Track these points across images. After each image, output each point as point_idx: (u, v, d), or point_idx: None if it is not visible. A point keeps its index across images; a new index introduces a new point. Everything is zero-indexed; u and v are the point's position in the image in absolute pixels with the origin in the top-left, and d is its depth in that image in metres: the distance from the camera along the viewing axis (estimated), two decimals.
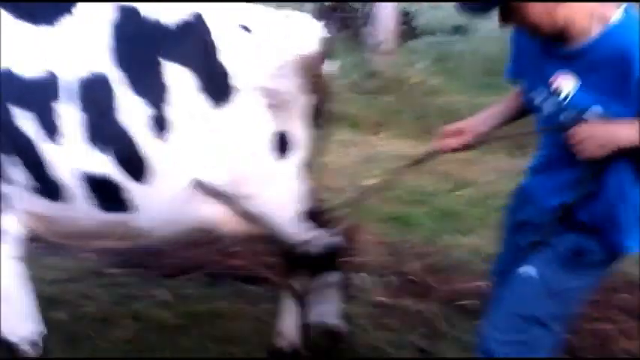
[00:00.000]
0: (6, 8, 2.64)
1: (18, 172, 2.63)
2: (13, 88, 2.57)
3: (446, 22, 18.29)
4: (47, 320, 3.02)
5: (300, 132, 3.02)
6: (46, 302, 2.95)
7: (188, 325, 3.94)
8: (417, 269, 4.50)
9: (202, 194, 2.89)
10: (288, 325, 3.59)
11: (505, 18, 2.25)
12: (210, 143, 2.79)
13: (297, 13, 3.14)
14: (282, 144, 2.96)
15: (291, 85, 2.91)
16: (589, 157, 2.22)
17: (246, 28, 2.87)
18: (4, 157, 2.60)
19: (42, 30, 2.64)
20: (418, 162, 3.00)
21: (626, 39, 2.17)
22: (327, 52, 3.04)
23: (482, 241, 4.66)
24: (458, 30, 17.51)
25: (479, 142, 2.74)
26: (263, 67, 2.82)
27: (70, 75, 2.62)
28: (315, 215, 3.22)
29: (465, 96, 10.48)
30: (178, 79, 2.71)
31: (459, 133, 2.73)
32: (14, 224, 2.74)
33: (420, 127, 9.18)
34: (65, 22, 2.67)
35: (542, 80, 2.38)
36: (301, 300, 3.56)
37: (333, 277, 3.38)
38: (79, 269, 4.50)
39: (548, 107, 2.39)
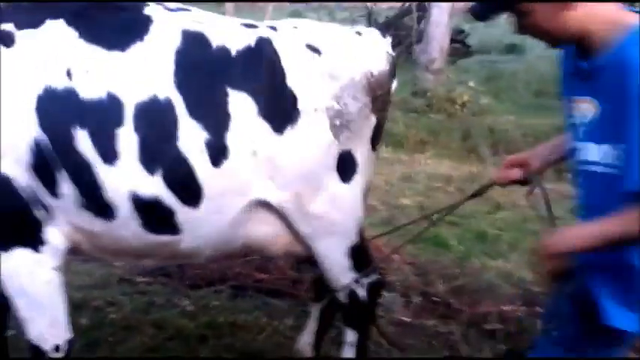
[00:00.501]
0: (80, 30, 2.68)
1: (67, 187, 2.67)
2: (74, 107, 2.61)
3: (500, 41, 18.15)
4: (70, 325, 3.06)
5: (364, 153, 3.00)
6: (71, 307, 2.99)
7: (209, 336, 3.96)
8: (442, 291, 4.44)
9: (255, 216, 2.90)
10: (305, 342, 3.59)
11: (519, 26, 2.12)
12: (273, 165, 2.79)
13: (367, 29, 3.15)
14: (347, 165, 2.95)
15: (359, 105, 2.90)
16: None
17: (315, 49, 2.88)
18: (55, 171, 2.64)
19: (113, 55, 2.68)
20: (476, 195, 2.89)
21: (627, 58, 1.94)
22: (394, 70, 3.04)
23: (512, 265, 4.57)
24: (512, 49, 17.36)
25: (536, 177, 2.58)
26: (331, 88, 2.82)
27: (129, 99, 2.65)
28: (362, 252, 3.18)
29: (514, 116, 10.35)
30: (240, 104, 2.73)
31: (521, 164, 2.58)
32: (57, 236, 2.78)
33: (467, 147, 9.12)
34: (135, 48, 2.70)
35: (571, 102, 2.18)
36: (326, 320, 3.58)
37: (353, 336, 3.30)
38: (105, 276, 4.58)
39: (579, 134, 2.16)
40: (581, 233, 2.06)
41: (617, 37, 1.98)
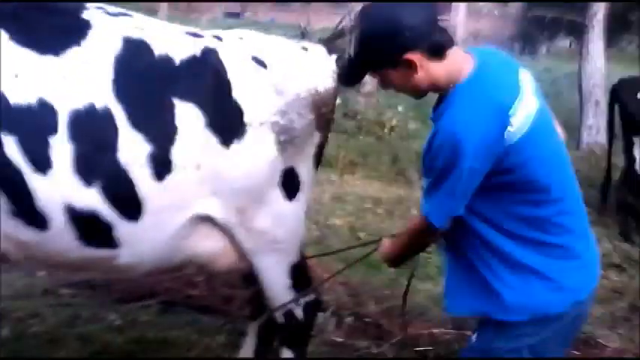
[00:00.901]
0: (11, 32, 2.55)
1: None
2: (1, 112, 2.48)
3: None
4: None
5: (307, 171, 2.99)
6: None
7: (137, 352, 3.84)
8: (374, 311, 4.45)
9: (198, 231, 2.83)
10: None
11: (382, 85, 2.39)
12: (217, 179, 2.73)
13: (313, 45, 3.11)
14: (291, 182, 2.92)
15: (304, 121, 2.87)
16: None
17: (261, 62, 2.84)
18: None
19: (46, 59, 2.55)
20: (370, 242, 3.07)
21: (444, 117, 2.20)
22: (338, 88, 3.02)
23: (440, 288, 4.62)
24: None
25: None
26: (276, 103, 2.79)
27: (63, 106, 2.53)
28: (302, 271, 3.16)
29: None
30: (185, 116, 2.65)
31: None
32: None
33: (395, 170, 9.23)
34: (71, 53, 2.59)
35: None
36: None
37: (289, 354, 3.27)
38: (27, 287, 4.39)
39: None
40: (392, 243, 2.61)
41: (449, 92, 2.24)
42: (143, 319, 4.21)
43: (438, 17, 2.27)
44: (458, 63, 2.24)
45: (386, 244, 2.64)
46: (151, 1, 16.27)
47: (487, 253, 2.33)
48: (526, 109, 2.19)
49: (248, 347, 3.55)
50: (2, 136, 2.47)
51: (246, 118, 2.74)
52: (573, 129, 11.48)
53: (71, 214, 2.58)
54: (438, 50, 2.21)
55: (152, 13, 15.48)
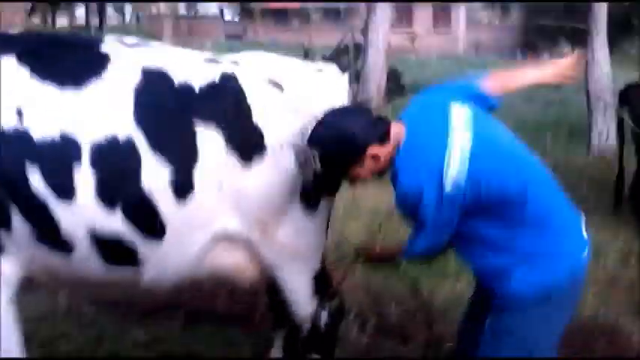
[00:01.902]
0: (32, 67, 2.65)
1: (20, 222, 2.62)
2: (25, 146, 2.58)
3: (432, 80, 18.54)
4: None
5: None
6: None
7: None
8: (396, 313, 4.45)
9: (220, 247, 2.89)
10: None
11: (349, 182, 2.73)
12: (239, 198, 2.79)
13: (326, 65, 3.18)
14: (311, 199, 2.96)
15: None
16: None
17: (278, 85, 2.90)
18: (6, 207, 2.60)
19: (67, 93, 2.65)
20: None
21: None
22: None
23: (463, 285, 4.63)
24: None
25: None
26: (295, 124, 2.81)
27: (84, 137, 2.62)
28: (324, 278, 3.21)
29: None
30: (206, 139, 2.72)
31: None
32: (11, 268, 2.72)
33: None
34: (91, 86, 2.68)
35: None
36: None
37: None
38: (51, 307, 4.42)
39: None
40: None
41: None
42: (168, 334, 4.23)
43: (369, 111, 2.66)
44: (396, 135, 2.56)
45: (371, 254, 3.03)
46: None
47: (483, 249, 2.58)
48: (458, 152, 2.44)
49: (274, 356, 3.57)
50: (27, 167, 2.56)
51: (266, 140, 2.80)
52: (582, 135, 11.51)
53: (95, 238, 2.67)
54: (385, 135, 2.54)
55: (157, 39, 15.71)
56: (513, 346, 2.57)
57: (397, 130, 2.56)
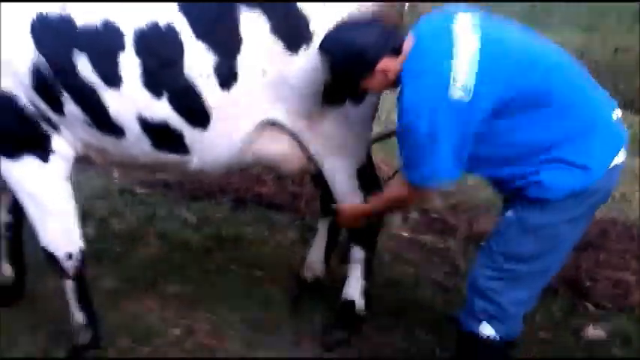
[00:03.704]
0: None
1: (72, 108, 2.67)
2: (71, 33, 2.58)
3: None
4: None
5: None
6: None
7: (213, 248, 4.02)
8: (440, 207, 4.52)
9: (266, 135, 2.90)
10: (315, 257, 3.67)
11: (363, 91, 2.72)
12: (283, 85, 2.76)
13: None
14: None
15: None
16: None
17: None
18: (58, 93, 2.64)
19: None
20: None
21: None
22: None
23: None
24: None
25: None
26: (340, 12, 2.73)
27: (128, 24, 2.60)
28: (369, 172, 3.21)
29: None
30: (251, 25, 2.67)
31: None
32: (66, 147, 2.80)
33: None
34: None
35: None
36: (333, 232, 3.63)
37: (360, 252, 3.34)
38: (105, 186, 4.58)
39: None
40: (357, 209, 3.02)
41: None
42: (216, 217, 4.37)
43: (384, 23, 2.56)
44: (406, 48, 2.48)
45: (346, 209, 3.04)
46: None
47: (510, 154, 2.49)
48: (465, 56, 2.35)
49: (320, 242, 3.67)
50: (75, 55, 2.58)
51: (311, 26, 2.73)
52: None
53: (144, 123, 2.71)
54: (397, 49, 2.48)
55: None
56: (533, 242, 2.53)
57: (407, 44, 2.49)
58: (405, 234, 4.31)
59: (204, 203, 4.51)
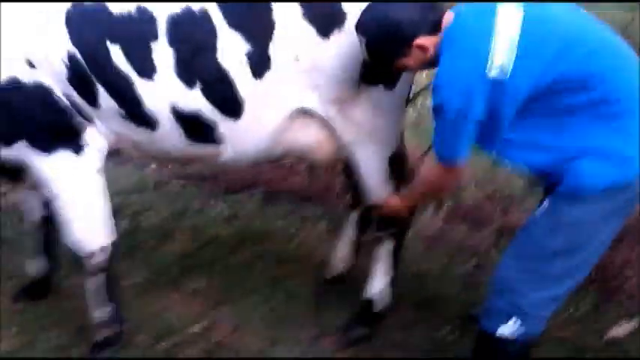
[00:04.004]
0: None
1: (106, 99, 2.70)
2: (104, 23, 2.61)
3: None
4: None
5: None
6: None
7: (242, 242, 4.06)
8: (474, 196, 4.44)
9: (297, 123, 2.89)
10: (342, 252, 3.67)
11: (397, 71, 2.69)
12: (316, 71, 2.74)
13: None
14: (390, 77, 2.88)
15: None
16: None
17: None
18: (92, 84, 2.66)
19: None
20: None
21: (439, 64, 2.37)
22: None
23: None
24: None
25: None
26: None
27: (161, 12, 2.61)
28: (401, 160, 3.18)
29: None
30: (282, 9, 2.66)
31: None
32: (100, 140, 2.83)
33: None
34: None
35: None
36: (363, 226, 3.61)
37: (388, 246, 3.31)
38: (141, 179, 4.68)
39: None
40: (404, 197, 3.00)
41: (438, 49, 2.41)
42: (248, 210, 4.41)
43: None
44: (445, 24, 2.42)
45: (392, 201, 3.03)
46: None
47: (550, 141, 2.39)
48: (506, 36, 2.27)
49: (347, 236, 3.66)
50: (109, 45, 2.60)
51: (345, 8, 2.69)
52: None
53: (177, 114, 2.72)
54: (436, 26, 2.42)
55: None
56: (562, 238, 2.43)
57: (446, 19, 2.42)
58: (437, 224, 4.25)
59: (238, 196, 4.55)
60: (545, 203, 2.46)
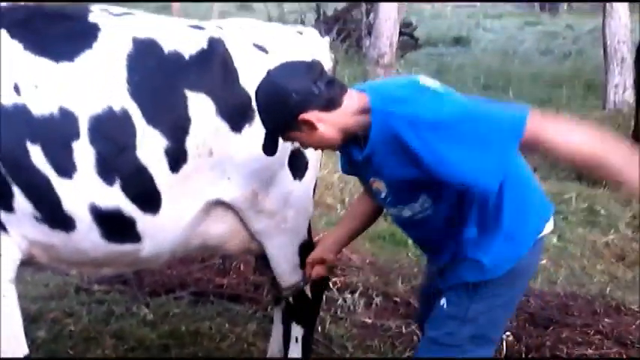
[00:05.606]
0: (25, 42, 2.59)
1: (21, 202, 2.58)
2: (24, 122, 2.53)
3: (447, 33, 18.37)
4: (27, 339, 2.91)
5: (313, 151, 3.00)
6: (28, 320, 2.91)
7: (171, 345, 3.91)
8: (403, 290, 4.47)
9: (211, 215, 2.89)
10: (274, 349, 3.61)
11: (301, 144, 2.54)
12: (229, 164, 2.79)
13: (306, 28, 3.21)
14: (299, 162, 2.96)
15: None
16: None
17: (262, 49, 2.89)
18: (7, 186, 2.56)
19: (62, 66, 2.60)
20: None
21: (386, 117, 2.26)
22: (335, 68, 3.08)
23: None
24: (458, 41, 17.62)
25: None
26: None
27: (83, 111, 2.58)
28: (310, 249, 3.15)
29: None
30: (197, 107, 2.70)
31: (318, 262, 2.87)
32: (11, 249, 2.68)
33: None
34: (84, 57, 2.63)
35: (369, 183, 2.54)
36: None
37: (299, 331, 3.33)
38: (61, 285, 4.49)
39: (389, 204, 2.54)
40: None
41: (368, 125, 2.30)
42: (175, 312, 4.27)
43: (320, 74, 2.37)
44: (356, 103, 2.34)
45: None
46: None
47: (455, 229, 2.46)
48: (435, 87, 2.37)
49: (277, 334, 3.60)
50: (28, 145, 2.53)
51: (254, 104, 2.73)
52: (598, 88, 11.32)
53: (96, 213, 2.65)
54: (330, 102, 2.31)
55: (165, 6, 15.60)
56: (467, 332, 2.49)
57: (357, 98, 2.33)
58: (369, 320, 4.24)
59: (163, 299, 4.41)
60: (445, 302, 2.54)
